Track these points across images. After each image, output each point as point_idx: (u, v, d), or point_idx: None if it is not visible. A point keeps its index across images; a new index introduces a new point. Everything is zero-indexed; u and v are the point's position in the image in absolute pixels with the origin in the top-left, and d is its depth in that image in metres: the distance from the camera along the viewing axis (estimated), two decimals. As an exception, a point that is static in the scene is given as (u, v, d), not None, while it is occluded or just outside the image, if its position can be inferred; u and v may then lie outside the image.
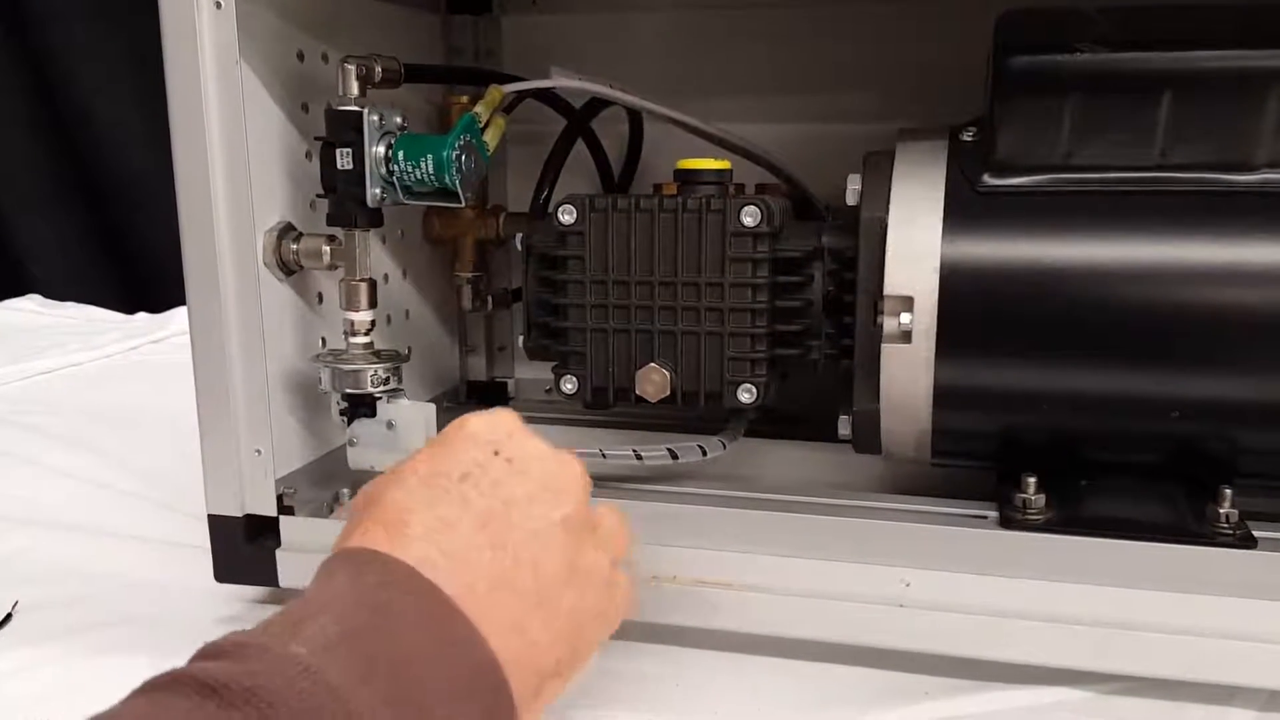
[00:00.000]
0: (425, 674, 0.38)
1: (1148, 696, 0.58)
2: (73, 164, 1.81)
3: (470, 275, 0.86)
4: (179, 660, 0.63)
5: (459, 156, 0.63)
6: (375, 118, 0.64)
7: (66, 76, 1.74)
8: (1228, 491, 0.60)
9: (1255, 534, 0.60)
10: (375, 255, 0.73)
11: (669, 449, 0.66)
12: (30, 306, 1.71)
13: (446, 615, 0.40)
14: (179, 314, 1.58)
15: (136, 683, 0.60)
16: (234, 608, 0.70)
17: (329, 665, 0.36)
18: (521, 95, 0.72)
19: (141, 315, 1.65)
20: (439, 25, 0.90)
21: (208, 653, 0.38)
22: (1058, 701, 0.58)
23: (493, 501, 0.45)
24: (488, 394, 0.96)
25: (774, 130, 0.82)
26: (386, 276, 0.80)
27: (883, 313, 0.61)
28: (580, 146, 0.83)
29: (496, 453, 0.47)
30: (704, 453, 0.68)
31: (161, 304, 1.65)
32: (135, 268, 1.84)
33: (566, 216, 0.68)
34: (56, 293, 1.77)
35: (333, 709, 0.35)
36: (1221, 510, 0.60)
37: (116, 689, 0.60)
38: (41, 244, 1.86)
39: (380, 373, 0.67)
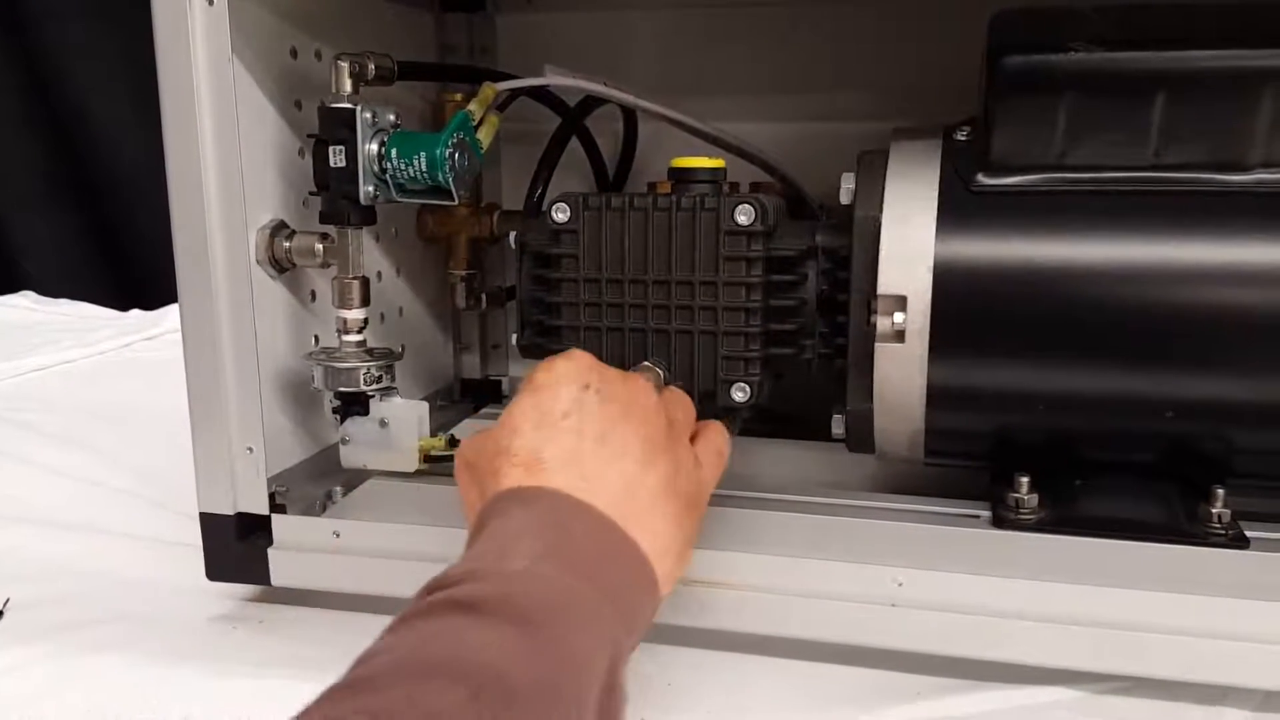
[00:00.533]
0: (611, 572, 0.47)
1: (1141, 696, 0.58)
2: (67, 161, 1.81)
3: (464, 273, 0.86)
4: (173, 660, 0.63)
5: (452, 154, 0.63)
6: (368, 115, 0.64)
7: (62, 74, 1.74)
8: (1220, 491, 0.60)
9: (1248, 534, 0.60)
10: (368, 253, 0.73)
11: None
12: (24, 303, 1.71)
13: (607, 527, 0.48)
14: (172, 311, 1.57)
15: (130, 681, 0.61)
16: (226, 606, 0.70)
17: (547, 574, 0.44)
18: (515, 93, 0.72)
19: (135, 312, 1.65)
20: (433, 22, 0.90)
21: (439, 584, 0.43)
22: (1051, 701, 0.58)
23: (599, 427, 0.52)
24: (481, 392, 0.96)
25: (768, 128, 0.82)
26: (380, 274, 0.80)
27: (876, 312, 0.61)
28: (575, 144, 0.83)
29: (586, 387, 0.53)
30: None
31: (155, 301, 1.65)
32: (129, 265, 1.84)
33: (560, 215, 0.68)
34: (50, 289, 1.77)
35: (570, 602, 0.43)
36: (1214, 510, 0.60)
37: (109, 687, 0.61)
38: (35, 241, 1.86)
39: (374, 371, 0.67)
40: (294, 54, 0.69)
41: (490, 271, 0.91)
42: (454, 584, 0.43)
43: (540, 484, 0.49)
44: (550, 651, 0.40)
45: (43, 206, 1.84)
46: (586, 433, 0.51)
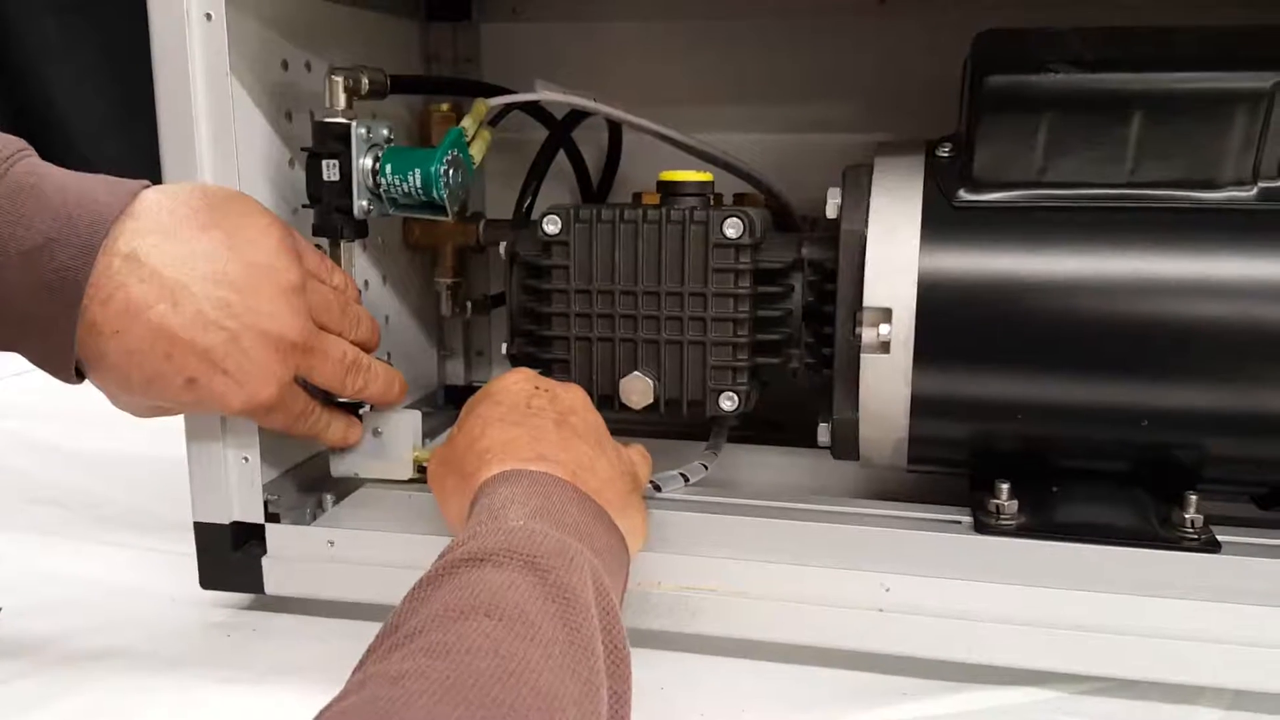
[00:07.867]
0: (592, 531, 0.53)
1: (1117, 696, 0.60)
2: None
3: (450, 281, 0.87)
4: (167, 668, 0.63)
5: (447, 171, 0.64)
6: (363, 130, 0.65)
7: (33, 71, 1.72)
8: (1193, 497, 0.62)
9: (1220, 538, 0.62)
10: (356, 262, 0.73)
11: (653, 482, 0.67)
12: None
13: (583, 496, 0.55)
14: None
15: (124, 689, 0.61)
16: (219, 614, 0.70)
17: (541, 529, 0.48)
18: (508, 108, 0.73)
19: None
20: (418, 32, 0.91)
21: (449, 551, 0.47)
22: (1031, 702, 0.60)
23: (554, 418, 0.60)
24: (465, 399, 0.96)
25: (749, 139, 0.83)
26: (367, 283, 0.81)
27: (862, 324, 0.63)
28: (559, 154, 0.84)
29: (536, 389, 0.62)
30: (686, 480, 0.69)
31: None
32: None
33: (551, 227, 0.69)
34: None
35: (563, 550, 0.47)
36: (1187, 515, 0.62)
37: (103, 695, 0.61)
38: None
39: (368, 382, 0.68)
40: (285, 66, 0.70)
41: (475, 279, 0.92)
42: (457, 547, 0.47)
43: (517, 466, 0.55)
44: (556, 591, 0.44)
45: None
46: (546, 421, 0.59)
